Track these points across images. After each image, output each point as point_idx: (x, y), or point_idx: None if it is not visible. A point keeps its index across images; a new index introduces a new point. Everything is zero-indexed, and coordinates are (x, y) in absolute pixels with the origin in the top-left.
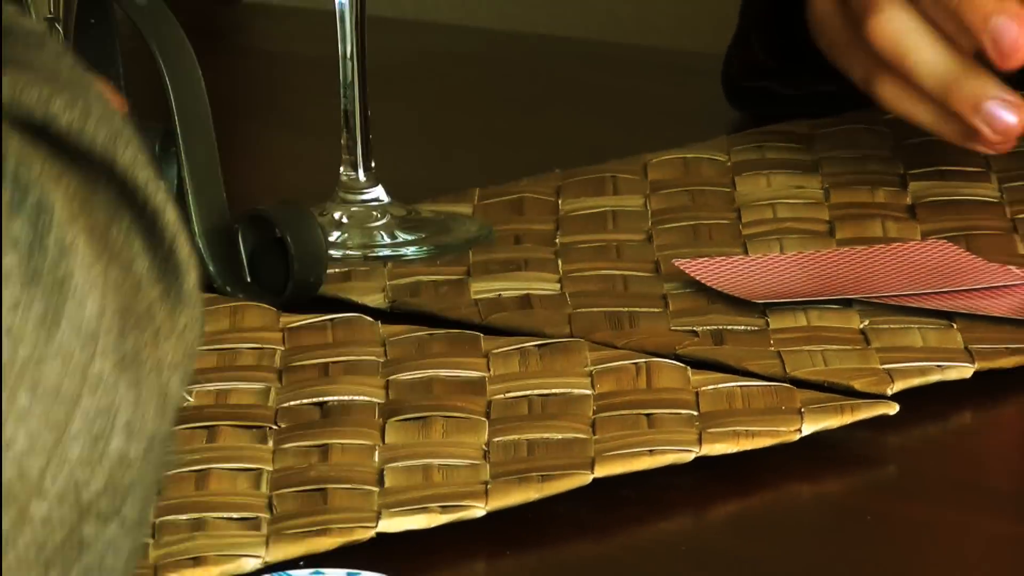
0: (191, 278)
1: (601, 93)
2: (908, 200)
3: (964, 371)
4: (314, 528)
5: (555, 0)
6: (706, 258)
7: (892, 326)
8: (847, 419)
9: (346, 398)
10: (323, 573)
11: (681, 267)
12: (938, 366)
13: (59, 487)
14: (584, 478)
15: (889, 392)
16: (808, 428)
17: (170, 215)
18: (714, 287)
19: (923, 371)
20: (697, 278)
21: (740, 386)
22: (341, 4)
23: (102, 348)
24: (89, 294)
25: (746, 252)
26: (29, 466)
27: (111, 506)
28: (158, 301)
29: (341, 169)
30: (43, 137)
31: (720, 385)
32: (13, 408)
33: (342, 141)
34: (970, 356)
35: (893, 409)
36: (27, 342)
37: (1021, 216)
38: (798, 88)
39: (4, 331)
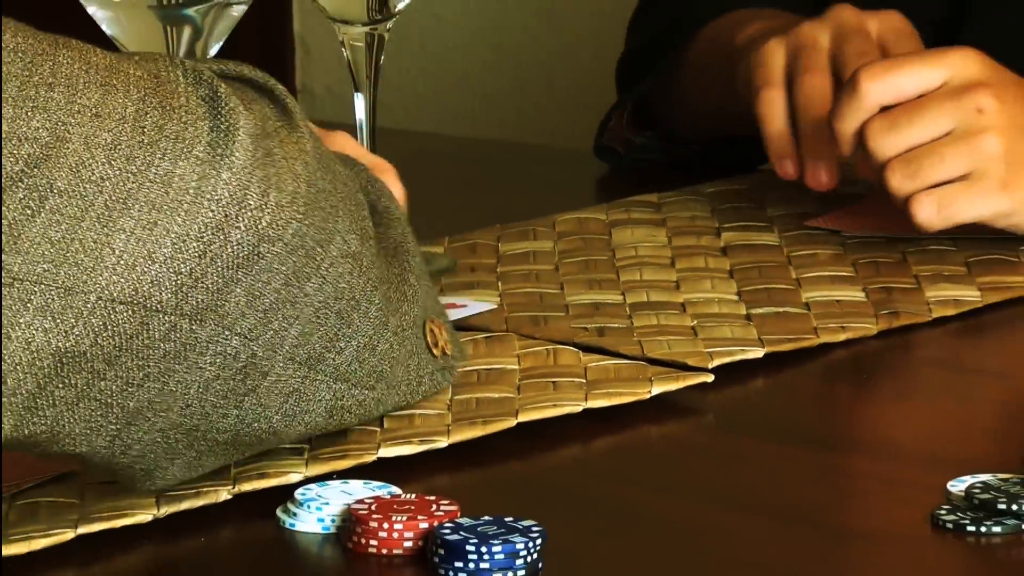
0: (298, 116)
1: (525, 177)
2: (721, 244)
3: (758, 352)
4: (337, 454)
5: (492, 113)
6: (829, 215)
7: (711, 324)
8: (681, 384)
9: None
10: (348, 482)
11: (814, 224)
12: (741, 349)
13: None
14: (511, 422)
15: (710, 366)
16: (656, 390)
17: (278, 89)
18: (848, 232)
19: (731, 353)
20: (831, 228)
21: (612, 363)
22: (360, 119)
23: (257, 152)
24: (245, 123)
25: (618, 277)
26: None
27: (275, 233)
28: (282, 127)
29: None
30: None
31: (600, 363)
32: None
33: None
34: (761, 343)
35: (710, 378)
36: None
37: (794, 254)
38: (671, 155)
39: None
